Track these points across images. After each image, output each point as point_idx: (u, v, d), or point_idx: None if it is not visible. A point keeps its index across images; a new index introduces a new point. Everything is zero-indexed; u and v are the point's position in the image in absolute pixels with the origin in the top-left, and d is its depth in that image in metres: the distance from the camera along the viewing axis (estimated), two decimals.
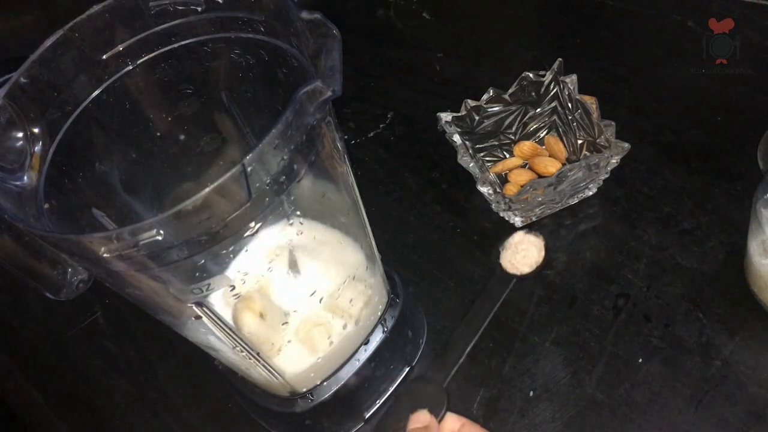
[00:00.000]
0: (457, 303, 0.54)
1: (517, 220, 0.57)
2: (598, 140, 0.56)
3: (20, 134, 0.34)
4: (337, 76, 0.29)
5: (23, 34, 0.85)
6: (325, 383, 0.44)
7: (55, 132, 0.36)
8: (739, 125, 0.61)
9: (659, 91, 0.66)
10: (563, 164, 0.60)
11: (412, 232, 0.61)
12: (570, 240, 0.57)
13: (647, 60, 0.70)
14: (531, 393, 0.48)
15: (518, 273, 0.50)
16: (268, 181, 0.29)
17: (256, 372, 0.41)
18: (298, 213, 0.35)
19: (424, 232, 0.61)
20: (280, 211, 0.33)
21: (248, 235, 0.31)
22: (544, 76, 0.60)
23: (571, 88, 0.58)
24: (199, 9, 0.37)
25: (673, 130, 0.63)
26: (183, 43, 0.38)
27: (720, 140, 0.61)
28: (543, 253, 0.51)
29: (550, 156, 0.61)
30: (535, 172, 0.61)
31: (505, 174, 0.61)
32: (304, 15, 0.32)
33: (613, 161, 0.54)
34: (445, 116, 0.59)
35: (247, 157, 0.27)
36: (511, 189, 0.59)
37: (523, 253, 0.51)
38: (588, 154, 0.59)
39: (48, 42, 0.35)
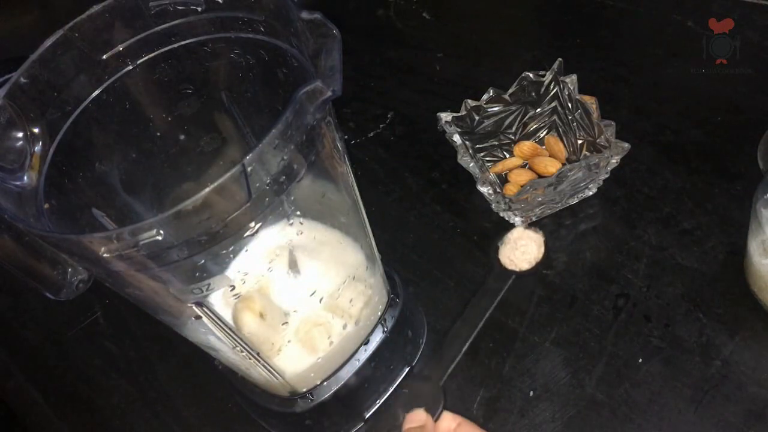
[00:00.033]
0: (457, 303, 0.54)
1: (517, 220, 0.57)
2: (598, 140, 0.56)
3: (20, 134, 0.34)
4: (337, 76, 0.29)
5: (23, 34, 0.85)
6: (325, 383, 0.44)
7: (55, 132, 0.36)
8: (739, 125, 0.61)
9: (659, 91, 0.66)
10: (563, 164, 0.60)
11: (412, 232, 0.61)
12: (570, 240, 0.57)
13: (647, 60, 0.70)
14: (531, 393, 0.48)
15: (517, 269, 0.50)
16: (268, 181, 0.29)
17: (256, 372, 0.41)
18: (298, 213, 0.35)
19: (424, 232, 0.61)
20: (280, 211, 0.33)
21: (248, 235, 0.31)
22: (544, 76, 0.60)
23: (571, 88, 0.58)
24: (199, 9, 0.37)
25: (673, 130, 0.63)
26: (183, 43, 0.38)
27: (720, 140, 0.61)
28: (542, 250, 0.50)
29: (550, 156, 0.61)
30: (535, 172, 0.61)
31: (505, 174, 0.61)
32: (304, 15, 0.32)
33: (613, 161, 0.54)
34: (445, 116, 0.59)
35: (247, 157, 0.27)
36: (511, 189, 0.59)
37: (522, 249, 0.50)
38: (588, 154, 0.59)
39: (48, 42, 0.35)
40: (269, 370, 0.41)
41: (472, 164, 0.56)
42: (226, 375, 0.48)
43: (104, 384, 0.56)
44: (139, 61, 0.38)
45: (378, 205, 0.63)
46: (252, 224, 0.30)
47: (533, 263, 0.50)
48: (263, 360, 0.40)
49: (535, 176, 0.60)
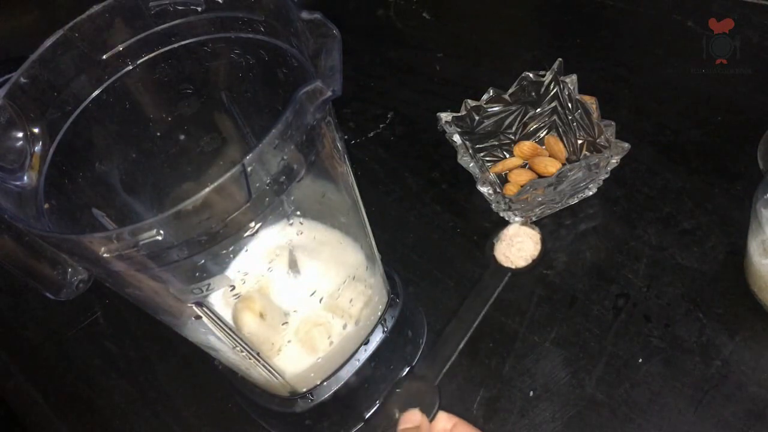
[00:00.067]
0: (457, 303, 0.54)
1: (517, 220, 0.57)
2: (598, 140, 0.56)
3: (20, 134, 0.34)
4: (337, 76, 0.29)
5: (23, 34, 0.85)
6: (325, 383, 0.44)
7: (55, 132, 0.36)
8: (739, 125, 0.61)
9: (659, 91, 0.66)
10: (563, 164, 0.60)
11: (412, 232, 0.61)
12: (570, 240, 0.57)
13: (647, 60, 0.70)
14: (531, 393, 0.48)
15: (513, 267, 0.49)
16: (268, 181, 0.29)
17: (256, 372, 0.41)
18: (298, 213, 0.35)
19: (424, 232, 0.61)
20: (280, 211, 0.33)
21: (248, 235, 0.31)
22: (544, 76, 0.60)
23: (571, 88, 0.58)
24: (199, 9, 0.37)
25: (673, 130, 0.63)
26: (183, 43, 0.38)
27: (720, 140, 0.61)
28: (539, 247, 0.50)
29: (550, 156, 0.61)
30: (535, 172, 0.61)
31: (505, 174, 0.61)
32: (304, 15, 0.32)
33: (613, 161, 0.54)
34: (445, 116, 0.59)
35: (247, 157, 0.27)
36: (511, 189, 0.59)
37: (518, 246, 0.50)
38: (588, 154, 0.59)
39: (48, 42, 0.35)
40: (269, 370, 0.41)
41: (472, 164, 0.56)
42: (226, 375, 0.48)
43: (104, 384, 0.56)
44: (139, 61, 0.38)
45: (378, 205, 0.63)
46: (252, 224, 0.30)
47: (529, 260, 0.49)
48: (263, 360, 0.40)
49: (535, 176, 0.60)
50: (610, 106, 0.60)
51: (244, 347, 0.38)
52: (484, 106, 0.60)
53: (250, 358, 0.39)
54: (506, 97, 0.60)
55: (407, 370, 0.50)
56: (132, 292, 0.34)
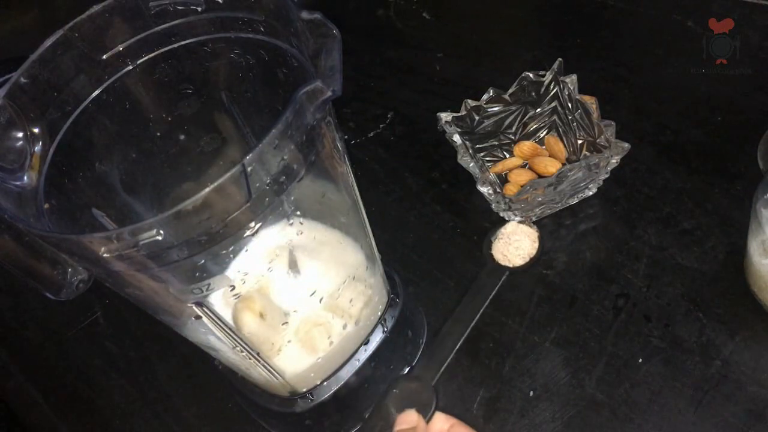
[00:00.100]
0: (457, 303, 0.54)
1: (517, 220, 0.57)
2: (598, 140, 0.56)
3: (20, 134, 0.34)
4: (337, 76, 0.29)
5: (23, 34, 0.85)
6: (325, 383, 0.44)
7: (55, 132, 0.36)
8: (739, 125, 0.61)
9: (659, 91, 0.66)
10: (563, 164, 0.60)
11: (412, 232, 0.61)
12: (570, 240, 0.57)
13: (647, 60, 0.70)
14: (531, 393, 0.48)
15: (510, 265, 0.49)
16: (268, 181, 0.29)
17: (256, 372, 0.41)
18: (298, 213, 0.35)
19: (424, 232, 0.61)
20: (280, 211, 0.33)
21: (248, 235, 0.31)
22: (544, 76, 0.60)
23: (571, 88, 0.58)
24: (199, 9, 0.37)
25: (673, 130, 0.63)
26: (183, 43, 0.38)
27: (720, 140, 0.61)
28: (537, 245, 0.50)
29: (550, 156, 0.61)
30: (535, 172, 0.61)
31: (505, 174, 0.61)
32: (304, 15, 0.32)
33: (613, 161, 0.54)
34: (445, 116, 0.59)
35: (247, 157, 0.27)
36: (511, 189, 0.59)
37: (515, 245, 0.50)
38: (588, 154, 0.59)
39: (48, 42, 0.35)
40: (269, 370, 0.41)
41: (472, 164, 0.56)
42: (226, 375, 0.48)
43: (104, 384, 0.56)
44: (139, 61, 0.38)
45: (378, 205, 0.63)
46: (252, 224, 0.30)
47: (527, 259, 0.49)
48: (263, 360, 0.40)
49: (535, 176, 0.60)
50: (610, 106, 0.60)
51: (244, 347, 0.38)
52: (484, 106, 0.60)
53: (250, 358, 0.39)
54: (506, 97, 0.60)
55: (407, 370, 0.50)
56: (132, 292, 0.34)
